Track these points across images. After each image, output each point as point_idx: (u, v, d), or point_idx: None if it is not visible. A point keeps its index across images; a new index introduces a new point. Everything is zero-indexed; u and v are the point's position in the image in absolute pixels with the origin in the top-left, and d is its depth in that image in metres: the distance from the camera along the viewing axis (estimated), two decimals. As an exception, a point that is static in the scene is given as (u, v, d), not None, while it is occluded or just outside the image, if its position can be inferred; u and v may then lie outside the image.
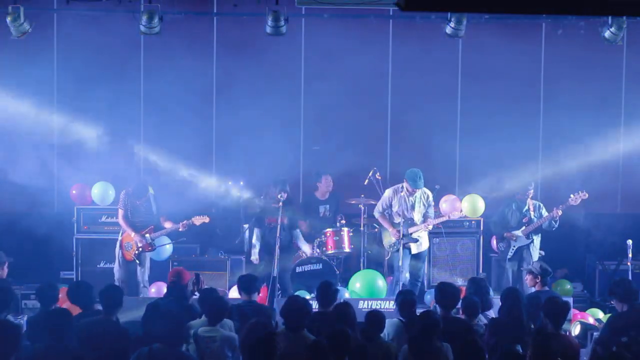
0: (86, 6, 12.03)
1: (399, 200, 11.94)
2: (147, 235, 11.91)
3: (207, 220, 11.96)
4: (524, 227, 12.17)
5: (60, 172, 13.26)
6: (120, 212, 12.02)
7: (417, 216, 11.94)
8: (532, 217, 12.18)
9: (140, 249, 11.91)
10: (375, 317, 8.09)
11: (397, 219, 11.95)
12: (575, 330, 9.72)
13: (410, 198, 11.91)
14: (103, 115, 13.27)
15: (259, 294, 9.82)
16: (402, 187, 11.97)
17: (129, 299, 9.49)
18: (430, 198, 12.08)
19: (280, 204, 11.76)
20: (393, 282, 11.94)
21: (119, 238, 12.03)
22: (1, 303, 8.52)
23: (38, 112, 13.26)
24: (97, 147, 13.03)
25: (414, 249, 11.97)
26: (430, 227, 12.05)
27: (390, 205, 11.99)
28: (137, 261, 11.92)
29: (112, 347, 7.45)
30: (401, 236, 11.79)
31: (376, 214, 12.15)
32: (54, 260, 12.86)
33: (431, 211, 12.07)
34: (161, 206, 12.14)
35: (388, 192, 12.07)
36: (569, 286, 12.87)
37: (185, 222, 11.87)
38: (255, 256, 12.05)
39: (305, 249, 12.26)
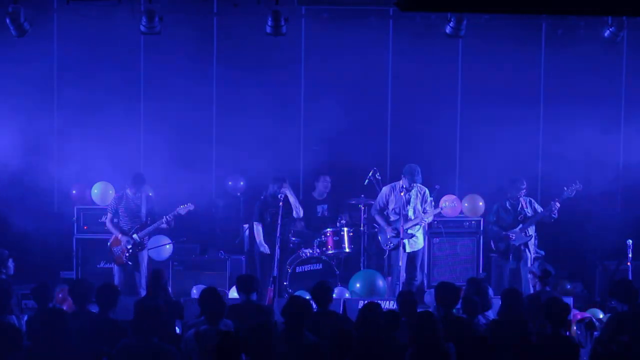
0: (86, 6, 12.03)
1: (396, 198, 11.94)
2: (135, 235, 11.86)
3: (192, 207, 11.89)
4: (520, 225, 12.18)
5: (60, 172, 13.26)
6: (109, 216, 11.94)
7: (412, 212, 11.92)
8: (528, 214, 12.21)
9: (131, 251, 11.86)
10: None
11: (394, 217, 11.94)
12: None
13: (406, 195, 11.89)
14: (103, 115, 13.27)
15: (258, 294, 9.83)
16: (399, 184, 11.96)
17: (128, 299, 9.52)
18: (427, 194, 12.06)
19: (280, 203, 11.78)
20: (392, 281, 11.93)
21: (108, 244, 11.96)
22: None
23: (38, 111, 13.27)
24: (97, 146, 13.03)
25: (408, 247, 11.95)
26: (428, 219, 12.05)
27: (387, 203, 11.98)
28: (130, 263, 11.85)
29: (109, 345, 7.47)
30: (397, 234, 11.78)
31: (373, 212, 12.15)
32: (54, 260, 12.86)
33: (428, 208, 12.05)
34: (156, 208, 12.07)
35: (385, 190, 12.08)
36: (569, 286, 12.86)
37: (167, 216, 11.77)
38: (264, 246, 12.04)
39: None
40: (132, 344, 7.39)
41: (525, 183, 12.26)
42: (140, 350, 7.35)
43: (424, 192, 12.04)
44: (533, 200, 12.33)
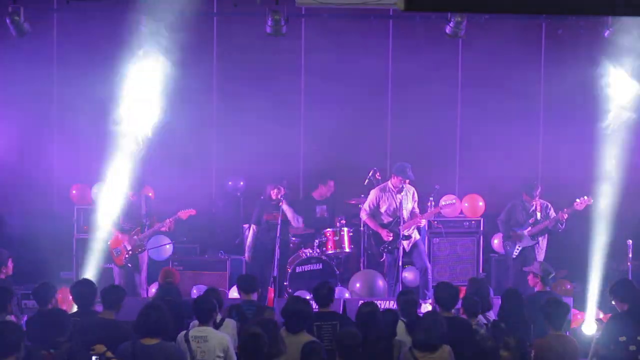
0: (86, 6, 12.02)
1: (387, 200, 11.91)
2: (135, 237, 11.85)
3: (193, 212, 11.88)
4: (529, 228, 12.17)
5: (60, 172, 13.25)
6: None
7: (406, 214, 11.91)
8: (539, 217, 12.19)
9: (130, 252, 11.84)
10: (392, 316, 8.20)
11: (387, 219, 11.92)
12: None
13: (398, 196, 11.86)
14: (103, 115, 13.24)
15: (259, 294, 9.83)
16: (389, 185, 11.93)
17: (129, 300, 9.51)
18: (415, 194, 12.04)
19: (281, 203, 11.78)
20: (389, 283, 11.92)
21: (107, 244, 11.94)
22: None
23: (37, 112, 13.27)
24: (97, 146, 13.02)
25: (406, 246, 11.94)
26: (424, 222, 12.05)
27: (378, 206, 11.94)
28: (130, 265, 11.82)
29: (112, 346, 7.47)
30: (394, 237, 11.77)
31: (363, 216, 12.09)
32: (54, 260, 12.85)
33: (416, 206, 12.03)
34: (156, 209, 12.05)
35: (375, 192, 12.00)
36: (569, 286, 12.86)
37: (169, 219, 11.75)
38: (247, 253, 12.12)
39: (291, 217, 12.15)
40: (133, 344, 7.38)
41: (539, 187, 12.24)
42: (140, 349, 7.33)
43: (413, 193, 12.02)
44: (550, 206, 12.29)
